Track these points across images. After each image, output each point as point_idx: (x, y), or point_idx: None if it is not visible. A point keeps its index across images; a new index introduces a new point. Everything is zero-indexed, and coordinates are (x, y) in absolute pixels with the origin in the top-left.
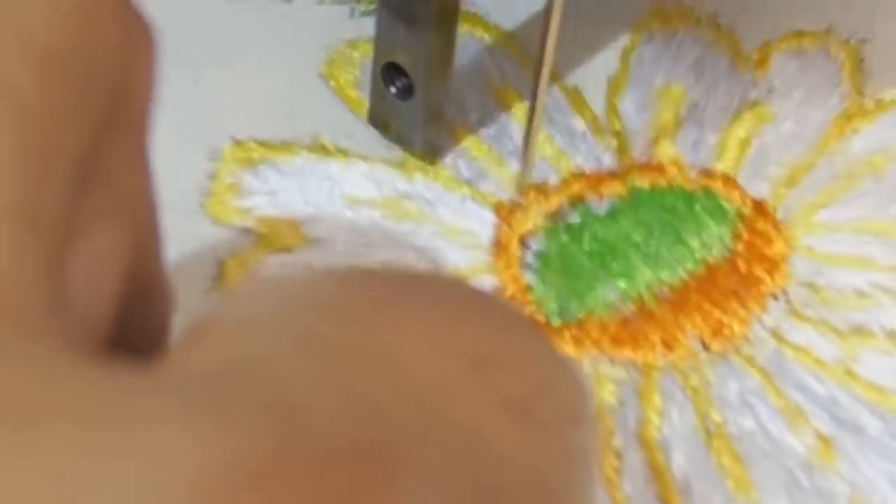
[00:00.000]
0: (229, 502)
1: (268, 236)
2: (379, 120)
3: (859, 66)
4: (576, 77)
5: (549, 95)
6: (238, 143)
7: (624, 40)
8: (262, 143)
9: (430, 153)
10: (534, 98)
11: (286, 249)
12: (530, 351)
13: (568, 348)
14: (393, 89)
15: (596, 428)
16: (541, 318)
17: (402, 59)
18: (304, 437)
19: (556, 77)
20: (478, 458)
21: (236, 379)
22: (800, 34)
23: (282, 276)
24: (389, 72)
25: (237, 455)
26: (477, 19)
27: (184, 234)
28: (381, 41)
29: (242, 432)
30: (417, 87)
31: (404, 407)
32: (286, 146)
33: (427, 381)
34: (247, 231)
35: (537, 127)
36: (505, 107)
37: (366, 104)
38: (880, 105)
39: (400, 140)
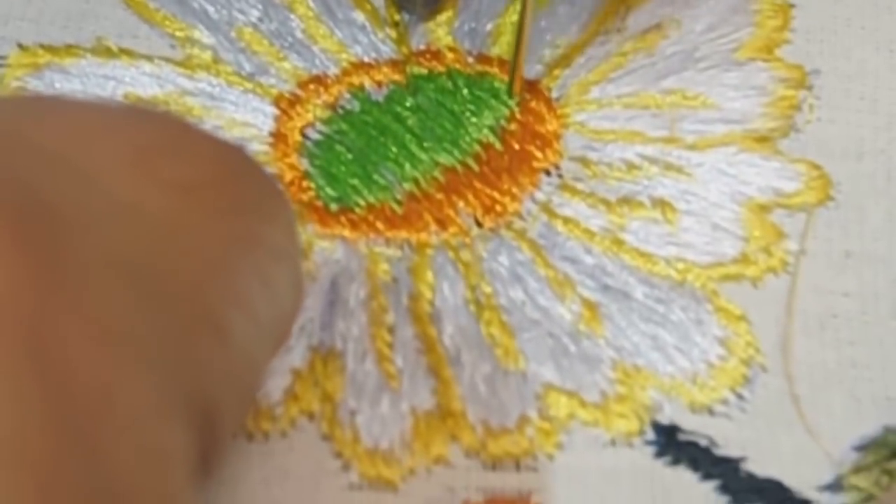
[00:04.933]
0: None
1: None
2: None
3: None
4: None
5: None
6: (23, 49)
7: None
8: (47, 48)
9: (431, 14)
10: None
11: None
12: (204, 149)
13: (345, 232)
14: None
15: (291, 229)
16: (319, 205)
17: None
18: None
19: None
20: (131, 224)
21: None
22: None
23: None
24: None
25: None
26: None
27: None
28: None
29: None
30: None
31: (57, 177)
32: (70, 49)
33: (87, 161)
34: None
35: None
36: (286, 2)
37: (148, 7)
38: None
39: (401, 4)
